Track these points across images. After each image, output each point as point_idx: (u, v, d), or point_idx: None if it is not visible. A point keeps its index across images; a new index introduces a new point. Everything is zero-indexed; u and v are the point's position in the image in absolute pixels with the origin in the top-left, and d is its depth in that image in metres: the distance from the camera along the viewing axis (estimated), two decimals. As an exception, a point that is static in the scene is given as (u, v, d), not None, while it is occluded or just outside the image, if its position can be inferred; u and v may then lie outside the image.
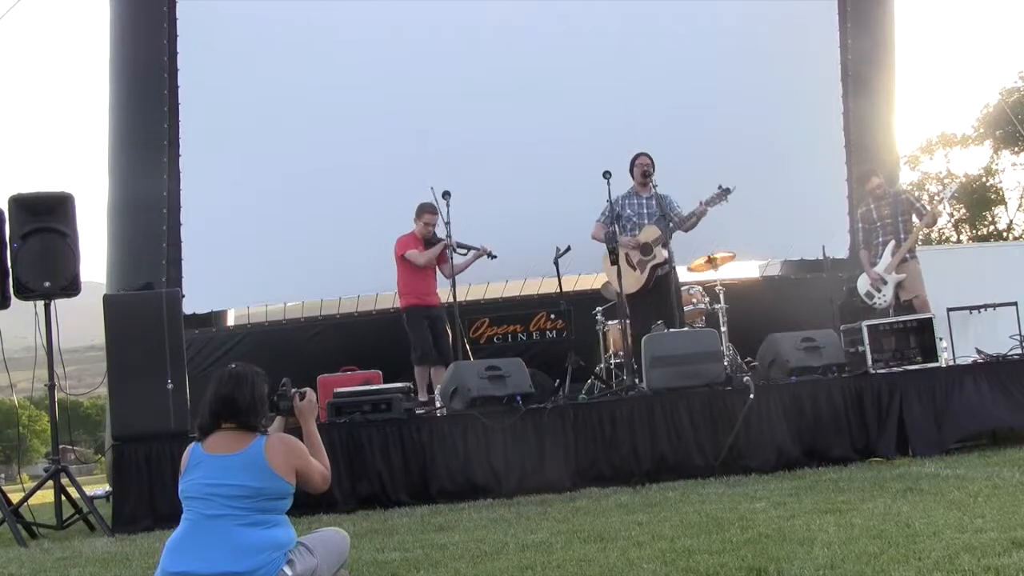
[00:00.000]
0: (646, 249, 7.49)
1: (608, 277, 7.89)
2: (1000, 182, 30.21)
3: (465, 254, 7.91)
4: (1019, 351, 7.11)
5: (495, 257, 7.95)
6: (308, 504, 5.46)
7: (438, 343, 7.87)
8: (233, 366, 3.34)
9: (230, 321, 10.48)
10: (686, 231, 7.60)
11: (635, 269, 7.49)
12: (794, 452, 6.44)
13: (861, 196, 8.90)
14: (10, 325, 6.71)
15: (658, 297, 7.54)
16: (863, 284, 7.99)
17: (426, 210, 7.91)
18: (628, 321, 7.31)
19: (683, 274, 8.85)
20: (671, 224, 7.47)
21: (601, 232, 7.58)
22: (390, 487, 6.25)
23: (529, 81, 9.87)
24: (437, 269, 8.04)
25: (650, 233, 7.52)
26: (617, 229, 7.52)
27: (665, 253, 7.47)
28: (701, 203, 7.43)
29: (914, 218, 7.94)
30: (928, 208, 8.20)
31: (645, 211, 7.64)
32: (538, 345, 9.87)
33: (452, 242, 7.71)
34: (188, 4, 9.74)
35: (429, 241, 7.95)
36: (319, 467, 3.32)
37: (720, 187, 7.40)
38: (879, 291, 7.84)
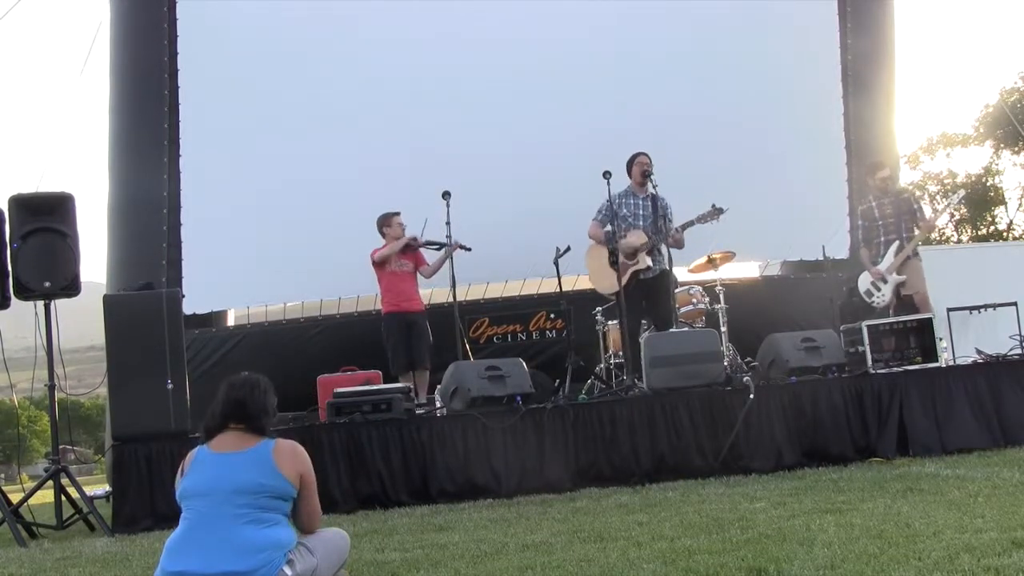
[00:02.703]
0: (630, 254, 7.46)
1: (590, 277, 7.80)
2: (1000, 182, 30.23)
3: (438, 249, 7.92)
4: (1019, 351, 7.11)
5: (469, 249, 7.88)
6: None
7: (413, 349, 7.89)
8: (245, 374, 3.36)
9: (230, 321, 10.49)
10: (675, 246, 7.52)
11: (617, 271, 7.41)
12: (794, 452, 6.43)
13: (863, 190, 8.89)
14: (10, 325, 6.72)
15: (646, 297, 7.50)
16: (864, 282, 7.99)
17: (392, 214, 8.03)
18: (623, 320, 7.29)
19: (683, 274, 8.87)
20: (662, 232, 7.41)
21: (598, 232, 7.53)
22: (390, 487, 6.25)
23: (529, 81, 9.88)
24: (416, 274, 8.10)
25: (636, 238, 7.47)
26: (615, 229, 7.48)
27: (648, 260, 7.42)
28: (678, 227, 7.35)
29: (916, 216, 7.95)
30: (928, 215, 8.20)
31: (641, 212, 7.60)
32: (538, 345, 9.88)
33: (421, 239, 7.78)
34: (188, 4, 9.76)
35: (405, 244, 8.01)
36: (317, 503, 3.35)
37: (713, 206, 7.31)
38: (879, 289, 7.84)
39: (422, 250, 8.12)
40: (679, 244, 7.46)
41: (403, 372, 7.87)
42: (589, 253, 7.65)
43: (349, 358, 8.23)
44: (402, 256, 8.04)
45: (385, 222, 8.08)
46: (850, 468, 6.16)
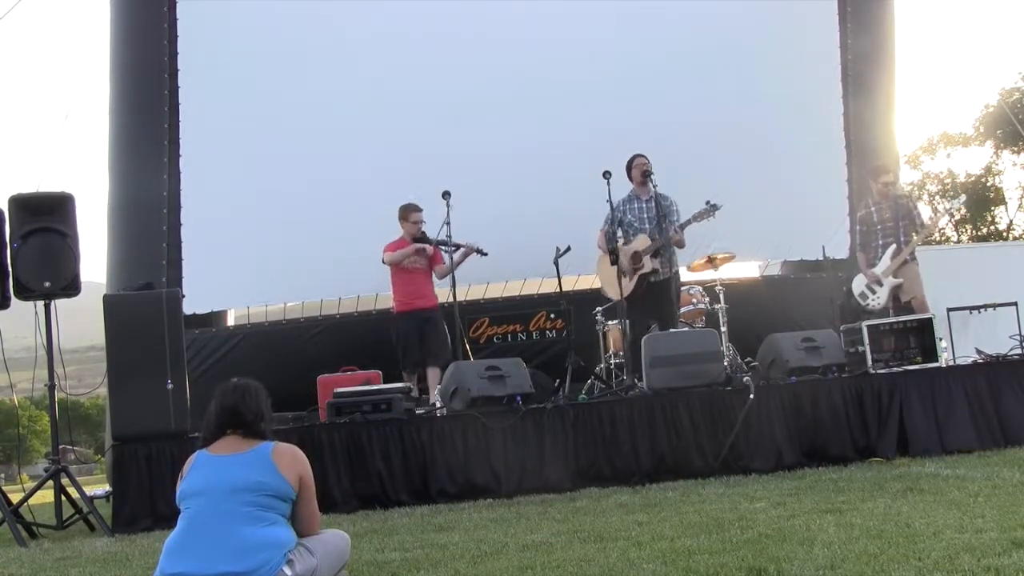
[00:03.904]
0: (636, 258, 7.46)
1: (600, 280, 7.84)
2: (1000, 182, 30.26)
3: (453, 251, 7.88)
4: (1019, 351, 7.11)
5: (485, 254, 7.88)
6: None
7: (428, 345, 7.84)
8: (235, 380, 3.36)
9: (230, 321, 10.48)
10: (677, 246, 7.56)
11: (624, 275, 7.42)
12: (794, 452, 6.44)
13: (864, 191, 8.87)
14: (10, 325, 6.72)
15: (654, 301, 7.51)
16: (858, 285, 7.98)
17: (411, 209, 7.93)
18: (625, 323, 7.31)
19: (683, 274, 8.86)
20: (664, 233, 7.41)
21: (604, 239, 7.58)
22: (390, 487, 6.26)
23: (529, 81, 9.86)
24: (431, 271, 8.05)
25: (641, 243, 7.48)
26: (615, 231, 7.49)
27: (654, 263, 7.42)
28: (677, 227, 7.39)
29: (915, 221, 7.95)
30: (924, 221, 8.21)
31: (645, 215, 7.60)
32: (538, 345, 9.87)
33: (437, 239, 7.71)
34: (188, 4, 9.75)
35: (419, 240, 7.95)
36: (316, 507, 3.35)
37: (708, 203, 7.35)
38: (874, 292, 7.82)
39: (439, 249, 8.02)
40: (680, 244, 7.51)
41: (412, 371, 7.82)
42: (599, 263, 7.71)
43: (349, 358, 8.23)
44: (416, 252, 7.98)
45: (403, 215, 7.96)
46: (850, 468, 6.16)
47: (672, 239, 7.40)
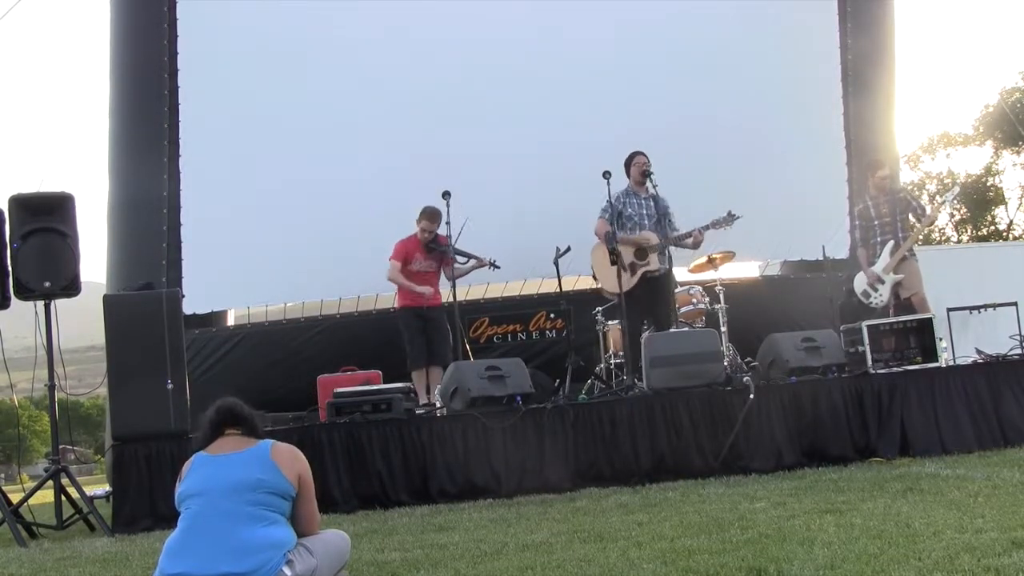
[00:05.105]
0: (641, 254, 7.45)
1: (596, 276, 7.76)
2: (1000, 182, 30.27)
3: (465, 262, 7.88)
4: (1019, 351, 7.11)
5: (498, 268, 7.94)
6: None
7: (432, 345, 7.83)
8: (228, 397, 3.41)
9: (230, 321, 10.48)
10: (692, 247, 7.58)
11: (626, 271, 7.39)
12: (794, 452, 6.44)
13: (861, 191, 8.86)
14: (10, 325, 6.72)
15: (650, 297, 7.50)
16: (860, 283, 7.99)
17: (424, 216, 7.89)
18: (624, 321, 7.30)
19: (683, 274, 8.87)
20: (671, 235, 7.42)
21: (603, 230, 7.53)
22: (390, 487, 6.26)
23: (529, 81, 9.86)
24: (440, 272, 8.03)
25: (648, 238, 7.48)
26: (616, 229, 7.47)
27: (658, 262, 7.43)
28: (701, 229, 7.38)
29: (910, 217, 7.95)
30: (926, 209, 8.20)
31: (645, 211, 7.59)
32: (538, 345, 9.87)
33: (452, 248, 7.67)
34: (188, 4, 9.75)
35: (429, 246, 7.93)
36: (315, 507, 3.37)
37: (729, 212, 7.35)
38: (876, 290, 7.83)
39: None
40: (699, 245, 7.54)
41: (419, 368, 7.80)
42: (595, 252, 7.63)
43: (349, 358, 8.23)
44: (428, 256, 7.95)
45: (418, 219, 7.91)
46: (850, 468, 6.16)
47: (695, 240, 7.41)
